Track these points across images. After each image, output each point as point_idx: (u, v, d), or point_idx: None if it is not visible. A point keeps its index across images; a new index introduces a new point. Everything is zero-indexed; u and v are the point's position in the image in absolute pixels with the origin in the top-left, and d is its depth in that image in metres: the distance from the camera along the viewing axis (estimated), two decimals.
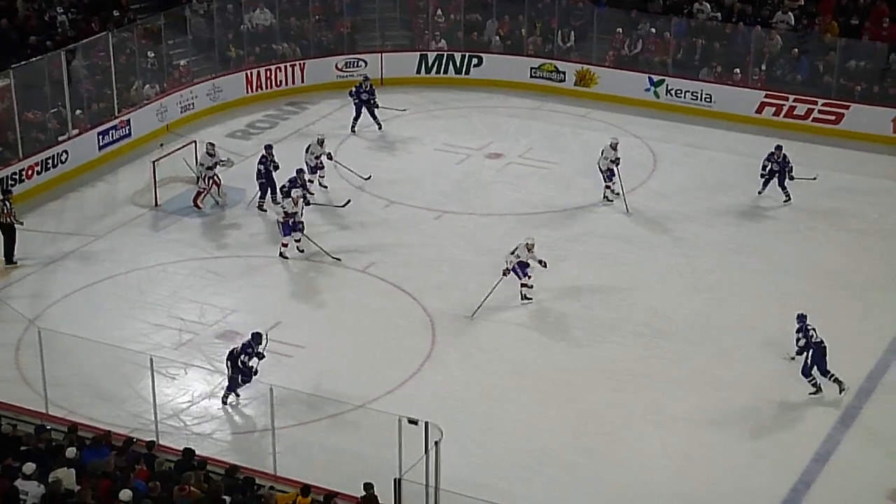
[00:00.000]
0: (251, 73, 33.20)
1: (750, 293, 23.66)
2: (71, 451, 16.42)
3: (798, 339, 20.33)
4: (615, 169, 26.93)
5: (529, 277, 23.16)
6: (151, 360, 18.69)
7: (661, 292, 23.73)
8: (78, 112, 29.12)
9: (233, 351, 20.02)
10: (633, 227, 26.28)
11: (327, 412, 19.42)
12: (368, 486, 16.25)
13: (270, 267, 24.90)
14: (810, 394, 20.39)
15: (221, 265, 24.87)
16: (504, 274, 22.87)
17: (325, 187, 27.61)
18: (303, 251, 24.84)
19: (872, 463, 18.87)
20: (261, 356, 19.87)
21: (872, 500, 18.09)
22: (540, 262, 23.10)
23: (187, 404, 20.24)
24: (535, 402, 20.41)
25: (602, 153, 27.10)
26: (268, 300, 23.64)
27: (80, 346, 20.68)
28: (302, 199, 24.90)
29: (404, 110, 31.40)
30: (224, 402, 20.18)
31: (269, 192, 26.79)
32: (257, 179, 26.81)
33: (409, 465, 16.23)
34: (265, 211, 26.66)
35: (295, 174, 25.87)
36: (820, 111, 31.20)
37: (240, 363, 19.79)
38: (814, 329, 20.30)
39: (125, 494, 15.31)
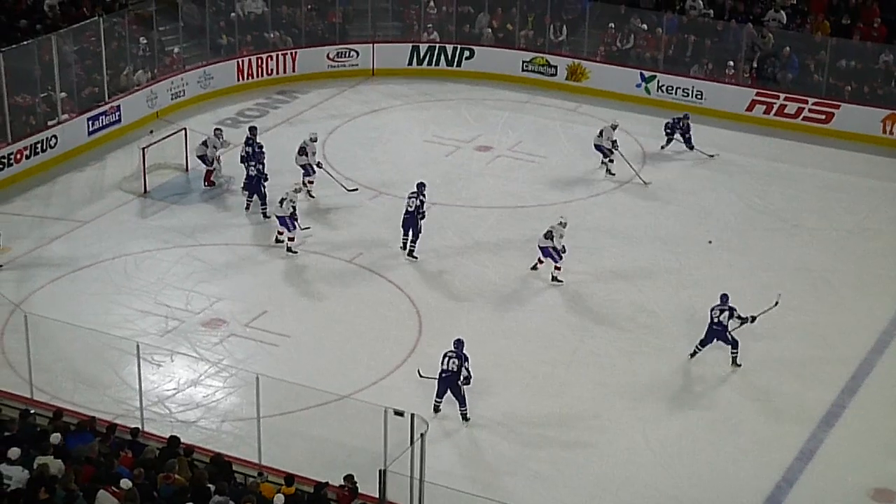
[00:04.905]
0: (242, 62, 33.11)
1: (736, 290, 23.57)
2: (55, 437, 16.37)
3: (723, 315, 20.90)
4: (615, 149, 28.07)
5: (561, 259, 23.56)
6: (138, 346, 18.66)
7: (647, 287, 23.75)
8: (62, 94, 28.84)
9: (449, 373, 19.48)
10: (621, 221, 26.29)
11: (312, 402, 19.37)
12: (349, 478, 16.27)
13: (257, 255, 24.87)
14: (690, 354, 21.26)
15: (208, 253, 24.82)
16: (539, 262, 23.78)
17: (313, 197, 26.77)
18: (295, 252, 24.61)
19: (856, 461, 18.92)
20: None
21: (855, 498, 18.15)
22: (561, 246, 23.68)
23: (173, 391, 20.21)
24: (520, 396, 20.43)
25: (602, 133, 28.14)
26: (254, 289, 23.61)
27: (66, 331, 20.63)
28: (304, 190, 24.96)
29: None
30: (435, 411, 19.71)
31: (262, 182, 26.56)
32: (242, 162, 26.85)
33: (394, 456, 16.24)
34: (268, 218, 25.85)
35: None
36: (810, 110, 31.22)
37: (465, 371, 19.47)
38: (728, 310, 20.87)
39: (126, 483, 15.24)
